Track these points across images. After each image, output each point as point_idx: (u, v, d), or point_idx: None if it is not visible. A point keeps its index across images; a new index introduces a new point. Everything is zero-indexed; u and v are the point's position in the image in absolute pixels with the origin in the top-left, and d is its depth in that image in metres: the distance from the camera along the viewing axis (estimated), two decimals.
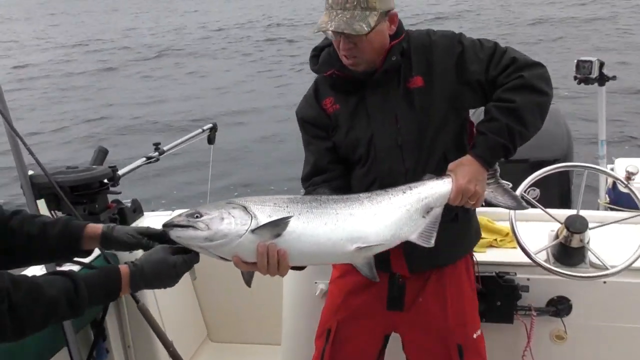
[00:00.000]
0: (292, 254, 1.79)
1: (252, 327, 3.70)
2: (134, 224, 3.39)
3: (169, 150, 3.81)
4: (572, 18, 21.12)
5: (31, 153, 2.76)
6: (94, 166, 3.22)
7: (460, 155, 2.07)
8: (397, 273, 2.21)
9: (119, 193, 3.33)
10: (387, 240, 1.89)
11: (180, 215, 1.77)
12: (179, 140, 3.96)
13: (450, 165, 2.02)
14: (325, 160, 2.19)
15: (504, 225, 2.85)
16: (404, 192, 1.95)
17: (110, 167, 3.23)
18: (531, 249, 2.52)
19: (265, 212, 1.78)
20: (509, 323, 2.64)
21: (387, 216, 1.89)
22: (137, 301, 2.79)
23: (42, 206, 2.89)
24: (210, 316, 3.81)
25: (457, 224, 2.19)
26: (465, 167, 1.97)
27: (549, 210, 2.65)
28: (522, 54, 2.04)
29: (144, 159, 3.64)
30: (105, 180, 3.18)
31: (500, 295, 2.59)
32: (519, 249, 2.54)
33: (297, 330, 2.97)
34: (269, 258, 1.75)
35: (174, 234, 1.73)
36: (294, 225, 1.78)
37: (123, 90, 17.14)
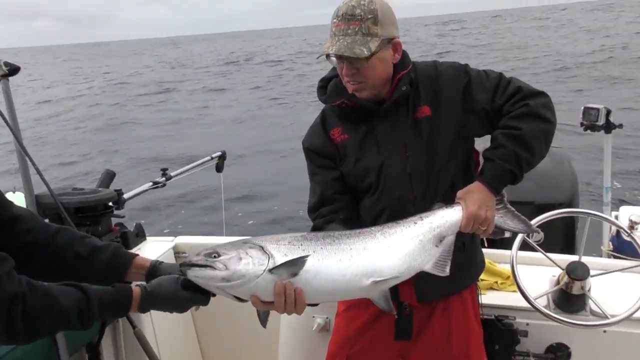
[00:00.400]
0: (309, 292, 1.79)
1: (249, 358, 3.66)
2: (135, 249, 3.40)
3: (176, 176, 3.83)
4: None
5: (39, 172, 2.79)
6: (99, 189, 3.25)
7: (467, 183, 2.11)
8: (404, 302, 2.21)
9: (123, 217, 3.35)
10: (402, 273, 1.90)
11: (198, 254, 1.78)
12: (187, 167, 3.99)
13: (459, 193, 2.04)
14: (332, 191, 2.20)
15: (505, 268, 2.83)
16: (416, 223, 1.96)
17: (115, 190, 3.26)
18: (531, 294, 2.50)
19: (281, 251, 1.79)
20: None
21: (400, 248, 1.90)
22: (133, 326, 2.78)
23: None
24: (206, 345, 3.78)
25: (464, 253, 2.21)
26: (475, 194, 2.00)
27: (551, 255, 2.64)
28: (526, 83, 2.09)
29: (151, 183, 3.67)
30: (110, 204, 3.21)
31: (498, 339, 2.56)
32: (519, 292, 2.52)
33: (293, 355, 2.95)
34: (286, 297, 1.76)
35: (192, 273, 1.75)
36: (309, 264, 1.78)
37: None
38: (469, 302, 2.34)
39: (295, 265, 1.76)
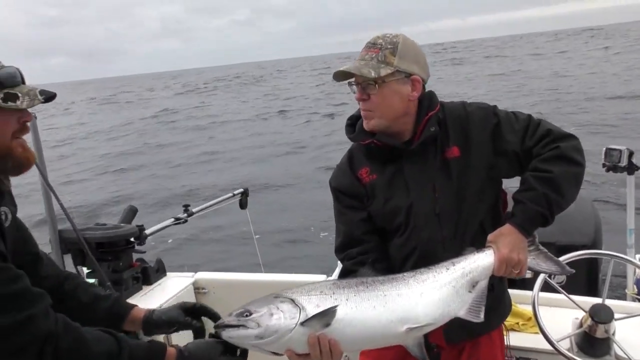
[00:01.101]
0: (344, 341, 1.78)
1: None
2: (156, 284, 3.43)
3: (197, 212, 3.87)
4: None
5: (63, 208, 2.85)
6: (121, 224, 3.29)
7: (496, 223, 2.10)
8: (433, 343, 2.17)
9: (144, 252, 3.38)
10: (437, 319, 1.88)
11: (230, 314, 1.78)
12: (209, 204, 4.01)
13: (490, 237, 2.02)
14: (360, 231, 2.18)
15: (526, 309, 2.79)
16: (448, 269, 1.95)
17: (137, 226, 3.30)
18: (554, 336, 2.46)
19: (312, 302, 1.78)
20: None
21: (434, 295, 1.89)
22: None
23: (68, 261, 2.95)
24: None
25: (493, 293, 2.17)
26: (506, 236, 1.98)
27: (574, 297, 2.60)
28: (556, 126, 2.09)
29: (172, 219, 3.70)
30: (132, 239, 3.25)
31: None
32: (541, 334, 2.48)
33: None
34: (321, 348, 1.75)
35: (226, 334, 1.75)
36: (342, 312, 1.77)
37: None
38: (497, 343, 2.30)
39: (326, 315, 1.74)
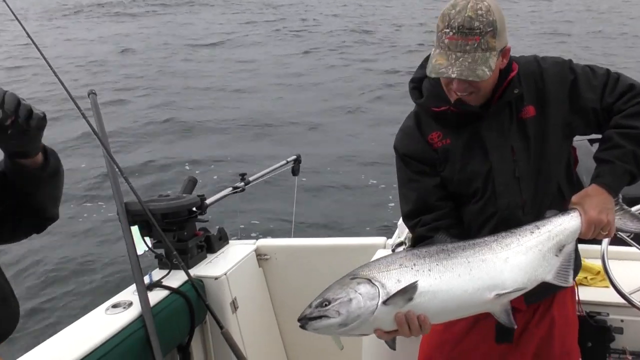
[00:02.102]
0: (430, 313, 1.77)
1: (333, 355, 3.69)
2: (219, 252, 3.50)
3: (254, 180, 3.92)
4: None
5: (127, 182, 2.93)
6: (183, 195, 3.36)
7: (570, 183, 2.07)
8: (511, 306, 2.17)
9: (207, 221, 3.45)
10: (525, 284, 1.85)
11: (310, 306, 1.78)
12: (264, 172, 4.06)
13: (574, 198, 1.98)
14: (434, 198, 2.11)
15: (594, 263, 2.73)
16: (532, 232, 1.91)
17: (198, 195, 3.36)
18: (625, 289, 2.40)
19: (392, 277, 1.76)
20: None
21: (520, 259, 1.85)
22: (221, 327, 2.87)
23: (136, 232, 3.03)
24: (291, 346, 3.84)
25: None
26: (593, 197, 1.93)
27: None
28: (634, 79, 2.01)
29: (231, 189, 3.76)
30: (194, 209, 3.31)
31: (591, 336, 2.48)
32: (611, 288, 2.43)
33: (377, 353, 2.95)
34: (410, 325, 1.75)
35: (310, 328, 1.76)
36: (426, 284, 1.75)
37: None
38: (568, 299, 2.28)
39: (407, 291, 1.72)
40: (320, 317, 1.73)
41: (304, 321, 1.76)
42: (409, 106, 2.24)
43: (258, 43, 24.13)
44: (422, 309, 1.75)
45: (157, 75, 19.10)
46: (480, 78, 1.85)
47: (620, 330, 2.49)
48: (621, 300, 2.41)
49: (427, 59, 2.08)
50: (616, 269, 2.46)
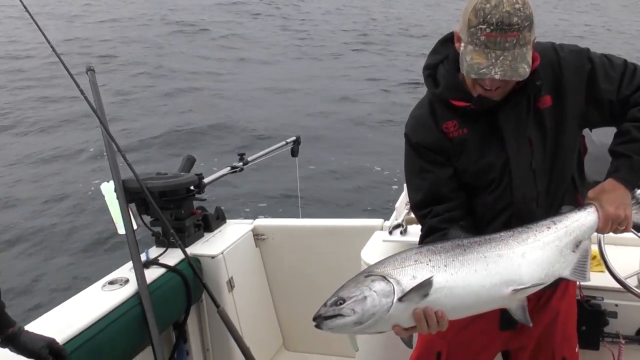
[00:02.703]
0: (448, 309, 1.75)
1: (328, 338, 3.71)
2: (216, 231, 3.50)
3: (252, 160, 3.91)
4: None
5: (125, 159, 2.93)
6: (181, 173, 3.36)
7: (581, 175, 2.04)
8: None
9: (204, 200, 3.45)
10: (542, 280, 1.83)
11: (325, 305, 1.76)
12: (263, 152, 4.05)
13: (591, 193, 1.95)
14: (447, 189, 2.04)
15: (591, 248, 2.74)
16: (549, 228, 1.88)
17: (196, 174, 3.35)
18: (621, 274, 2.41)
19: (407, 273, 1.74)
20: (595, 349, 2.53)
21: (537, 255, 1.83)
22: (217, 305, 2.88)
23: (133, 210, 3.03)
24: (286, 325, 3.87)
25: None
26: (610, 193, 1.90)
27: None
28: None
29: (229, 168, 3.75)
30: (192, 187, 3.31)
31: (585, 320, 2.48)
32: (606, 272, 2.43)
33: (372, 344, 2.96)
34: (428, 321, 1.73)
35: (325, 327, 1.74)
36: (443, 279, 1.73)
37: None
38: (571, 286, 2.27)
39: (423, 287, 1.70)
40: (335, 315, 1.71)
41: (319, 320, 1.74)
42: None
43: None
44: (439, 305, 1.73)
45: None
46: (522, 77, 1.78)
47: (614, 315, 2.50)
48: (616, 285, 2.42)
49: (441, 42, 2.04)
50: (612, 253, 2.46)
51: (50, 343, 2.09)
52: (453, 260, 1.77)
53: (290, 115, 13.35)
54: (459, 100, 1.96)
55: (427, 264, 1.75)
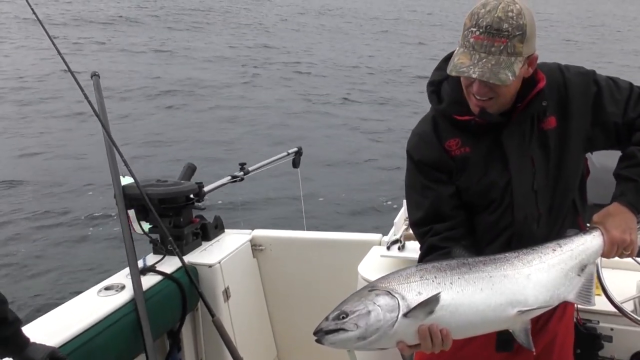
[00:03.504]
0: (452, 328, 1.73)
1: (323, 351, 3.70)
2: (214, 240, 3.50)
3: (253, 171, 3.91)
4: None
5: (126, 164, 2.93)
6: (182, 181, 3.36)
7: (582, 196, 2.03)
8: None
9: (204, 209, 3.45)
10: (547, 302, 1.82)
11: (327, 318, 1.72)
12: (264, 162, 4.05)
13: (596, 217, 1.94)
14: (448, 207, 2.02)
15: None
16: (554, 250, 1.87)
17: (197, 183, 3.36)
18: (617, 298, 2.41)
19: (412, 289, 1.72)
20: None
21: (543, 277, 1.82)
22: (212, 315, 2.87)
23: (132, 216, 3.04)
24: (281, 337, 3.85)
25: None
26: (616, 217, 1.90)
27: None
28: None
29: (230, 177, 3.76)
30: (192, 196, 3.32)
31: (580, 343, 2.47)
32: (603, 296, 2.43)
33: (369, 357, 2.95)
34: (432, 339, 1.71)
35: (327, 342, 1.70)
36: (449, 297, 1.71)
37: None
38: (569, 309, 2.25)
39: (429, 304, 1.68)
40: (337, 330, 1.68)
41: (320, 334, 1.70)
42: None
43: None
44: (444, 323, 1.71)
45: None
46: (502, 82, 1.76)
47: (609, 339, 2.49)
48: (612, 309, 2.42)
49: (445, 60, 2.02)
50: (609, 277, 2.46)
51: (53, 352, 2.07)
52: (459, 278, 1.75)
53: None
54: (463, 115, 1.95)
55: (433, 281, 1.73)
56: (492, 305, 1.75)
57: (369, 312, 1.67)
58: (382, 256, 3.02)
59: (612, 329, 2.51)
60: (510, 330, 1.85)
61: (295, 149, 4.38)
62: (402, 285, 1.72)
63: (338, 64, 21.83)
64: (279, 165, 4.21)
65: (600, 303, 2.48)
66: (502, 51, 1.75)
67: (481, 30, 1.75)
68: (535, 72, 1.92)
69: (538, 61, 1.91)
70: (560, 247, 1.88)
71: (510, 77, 1.76)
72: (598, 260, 2.46)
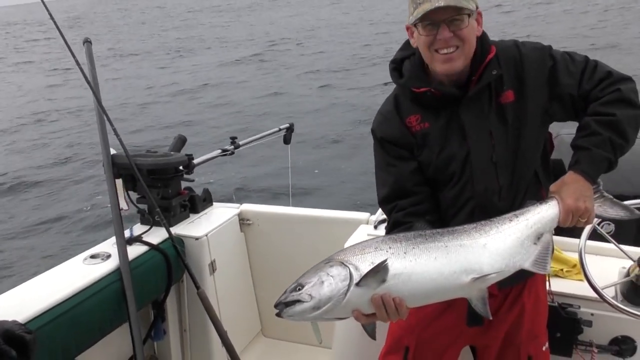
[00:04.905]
0: (408, 295, 1.76)
1: (306, 327, 3.73)
2: (202, 213, 3.50)
3: (244, 145, 3.90)
4: None
5: (116, 133, 2.91)
6: (171, 152, 3.35)
7: (546, 168, 2.07)
8: None
9: (192, 181, 3.45)
10: (502, 270, 1.85)
11: (285, 291, 1.78)
12: (255, 137, 4.04)
13: (552, 187, 1.98)
14: (411, 183, 2.09)
15: (572, 256, 2.76)
16: (511, 220, 1.91)
17: (186, 155, 3.35)
18: (599, 284, 2.43)
19: (366, 260, 1.76)
20: (568, 357, 2.55)
21: (498, 245, 1.86)
22: (197, 287, 2.88)
23: (120, 185, 3.02)
24: (265, 312, 3.88)
25: None
26: (571, 185, 1.93)
27: (622, 247, 2.55)
28: (612, 67, 2.00)
29: (220, 150, 3.74)
30: (181, 167, 3.31)
31: (561, 327, 2.51)
32: (585, 282, 2.45)
33: (348, 336, 2.98)
34: (386, 308, 1.75)
35: (285, 315, 1.75)
36: (401, 266, 1.75)
37: None
38: (540, 285, 2.31)
39: (378, 272, 1.72)
40: (294, 302, 1.73)
41: (280, 307, 1.76)
42: None
43: None
44: (397, 291, 1.75)
45: None
46: (467, 7, 1.86)
47: (589, 324, 2.52)
48: (593, 295, 2.44)
49: (408, 42, 2.09)
50: (592, 263, 2.48)
51: (7, 330, 1.85)
52: (413, 247, 1.79)
53: None
54: (420, 88, 2.02)
55: (387, 251, 1.77)
56: (445, 273, 1.78)
57: (322, 282, 1.72)
58: (369, 235, 3.03)
59: (592, 314, 2.54)
60: (467, 299, 1.88)
61: (287, 125, 4.36)
62: (356, 257, 1.77)
63: None
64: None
65: (582, 288, 2.52)
66: None
67: None
68: (487, 45, 2.01)
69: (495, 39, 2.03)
70: (517, 217, 1.93)
71: (472, 5, 1.88)
72: (582, 247, 2.49)
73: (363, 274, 1.73)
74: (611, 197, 2.03)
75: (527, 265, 1.90)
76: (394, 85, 2.18)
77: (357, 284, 1.72)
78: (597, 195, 1.99)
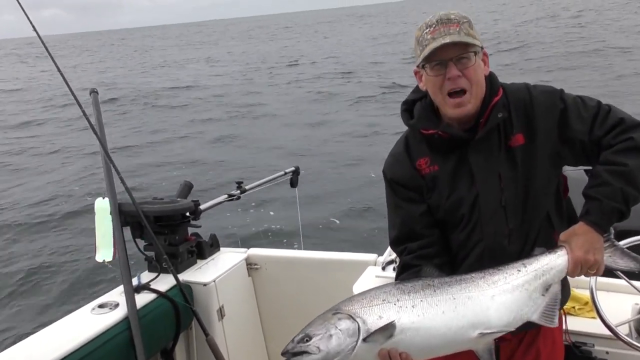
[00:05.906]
0: (413, 351, 1.75)
1: None
2: (209, 259, 3.50)
3: (250, 189, 3.91)
4: None
5: (123, 182, 2.93)
6: (178, 199, 3.36)
7: (560, 211, 2.04)
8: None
9: (199, 227, 3.44)
10: (510, 324, 1.84)
11: (292, 341, 1.78)
12: (261, 181, 4.05)
13: (562, 236, 1.96)
14: (420, 225, 2.08)
15: (583, 293, 2.73)
16: (519, 270, 1.90)
17: (193, 201, 3.36)
18: (612, 321, 2.40)
19: (374, 313, 1.75)
20: None
21: (506, 298, 1.84)
22: (206, 334, 2.85)
23: (127, 233, 3.03)
24: (275, 357, 3.82)
25: None
26: (580, 236, 1.91)
27: (635, 283, 2.53)
28: (626, 113, 1.98)
29: (226, 195, 3.75)
30: (187, 214, 3.31)
31: None
32: (598, 319, 2.42)
33: None
34: None
35: None
36: (409, 320, 1.74)
37: None
38: (555, 328, 2.22)
39: (386, 330, 1.71)
40: (301, 352, 1.72)
41: (288, 356, 1.75)
42: None
43: None
44: (404, 346, 1.74)
45: None
46: (473, 43, 1.88)
47: None
48: (607, 332, 2.41)
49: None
50: (604, 300, 2.46)
51: None
52: (421, 300, 1.78)
53: None
54: (429, 129, 2.03)
55: (395, 304, 1.77)
56: (453, 328, 1.77)
57: (331, 335, 1.71)
58: (377, 277, 3.02)
59: (607, 352, 2.50)
60: (474, 350, 1.86)
61: (293, 169, 4.37)
62: (364, 309, 1.76)
63: None
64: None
65: (596, 326, 2.48)
66: (459, 32, 1.88)
67: (434, 25, 1.90)
68: (495, 86, 2.01)
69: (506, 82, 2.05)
70: (525, 267, 1.91)
71: (478, 42, 1.89)
72: (593, 284, 2.47)
73: (371, 328, 1.72)
74: (622, 247, 2.00)
75: (535, 317, 1.88)
76: None
77: (365, 339, 1.71)
78: (607, 244, 1.96)
